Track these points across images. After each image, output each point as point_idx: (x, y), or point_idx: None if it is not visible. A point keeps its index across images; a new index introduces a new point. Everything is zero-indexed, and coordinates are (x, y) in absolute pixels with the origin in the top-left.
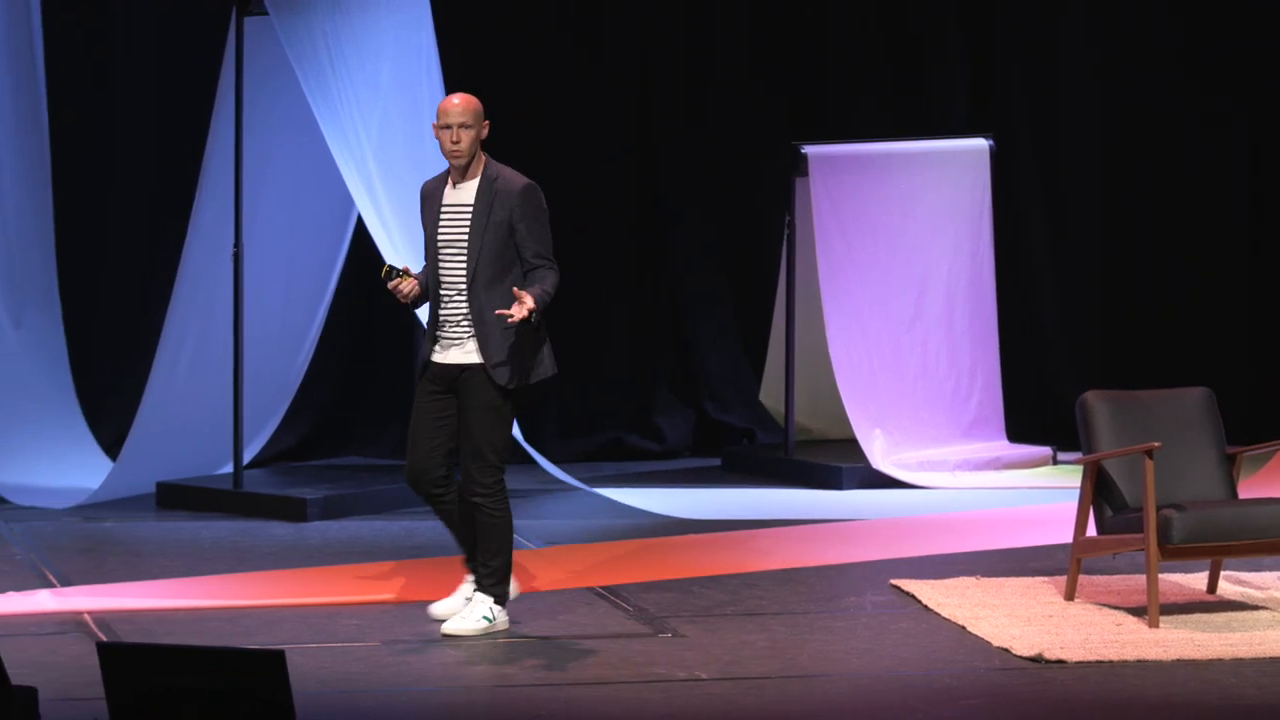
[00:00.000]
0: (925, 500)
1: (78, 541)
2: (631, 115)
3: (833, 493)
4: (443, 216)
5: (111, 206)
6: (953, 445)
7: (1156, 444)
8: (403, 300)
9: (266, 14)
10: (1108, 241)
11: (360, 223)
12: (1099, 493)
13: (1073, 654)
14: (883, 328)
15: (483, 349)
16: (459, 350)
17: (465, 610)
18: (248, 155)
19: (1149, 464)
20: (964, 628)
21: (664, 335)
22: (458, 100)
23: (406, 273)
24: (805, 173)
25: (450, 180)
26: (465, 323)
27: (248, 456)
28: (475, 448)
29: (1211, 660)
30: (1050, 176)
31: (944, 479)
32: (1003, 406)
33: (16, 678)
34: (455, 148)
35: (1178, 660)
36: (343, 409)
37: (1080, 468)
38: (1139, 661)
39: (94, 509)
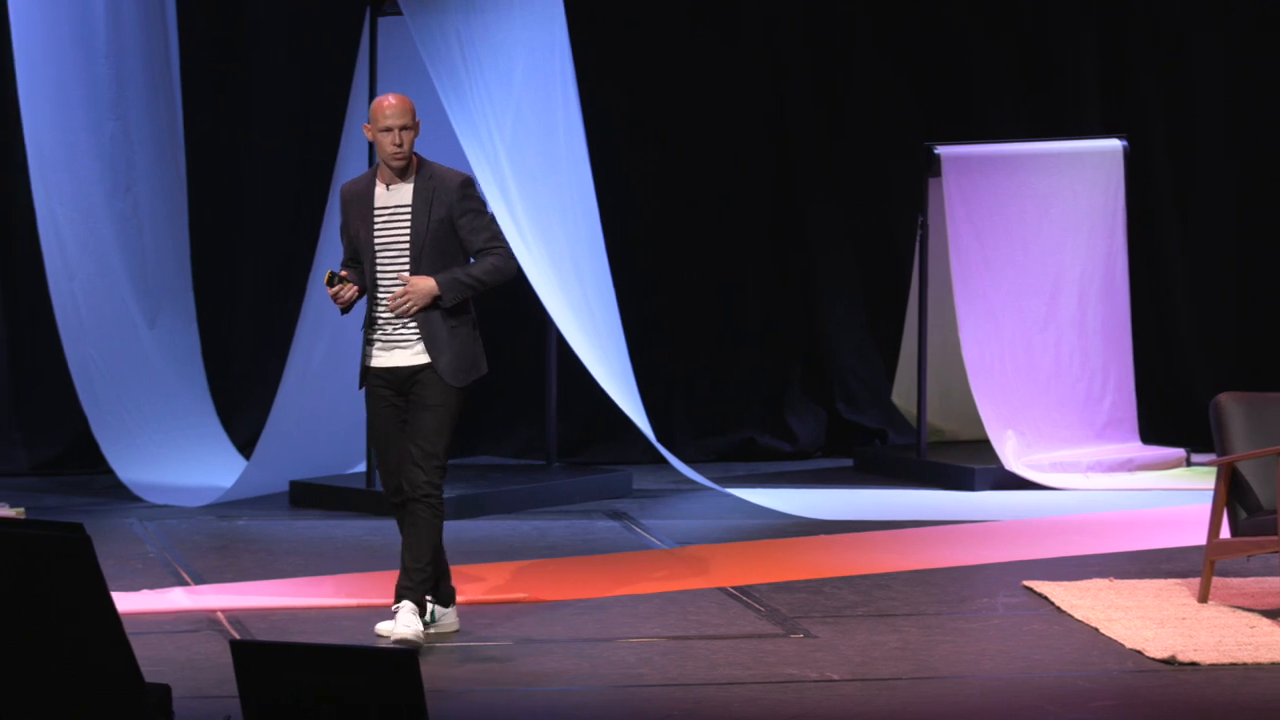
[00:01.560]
0: (1058, 502)
1: (211, 540)
2: (765, 114)
3: (965, 494)
4: (378, 219)
5: (246, 206)
6: (1086, 446)
7: None
8: (341, 305)
9: (400, 14)
10: (1242, 242)
11: None
12: (1233, 494)
13: (1206, 656)
14: (1016, 328)
15: (430, 349)
16: (405, 352)
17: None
18: None
19: None
20: (1097, 630)
21: (797, 335)
22: (395, 101)
23: (345, 279)
24: (939, 173)
25: (380, 182)
26: (411, 324)
27: None
28: (429, 449)
29: None
30: (1184, 177)
31: (1077, 480)
32: (1136, 408)
33: (150, 675)
34: (399, 150)
35: None
36: (475, 408)
37: (1214, 469)
38: (1273, 664)
39: (227, 507)
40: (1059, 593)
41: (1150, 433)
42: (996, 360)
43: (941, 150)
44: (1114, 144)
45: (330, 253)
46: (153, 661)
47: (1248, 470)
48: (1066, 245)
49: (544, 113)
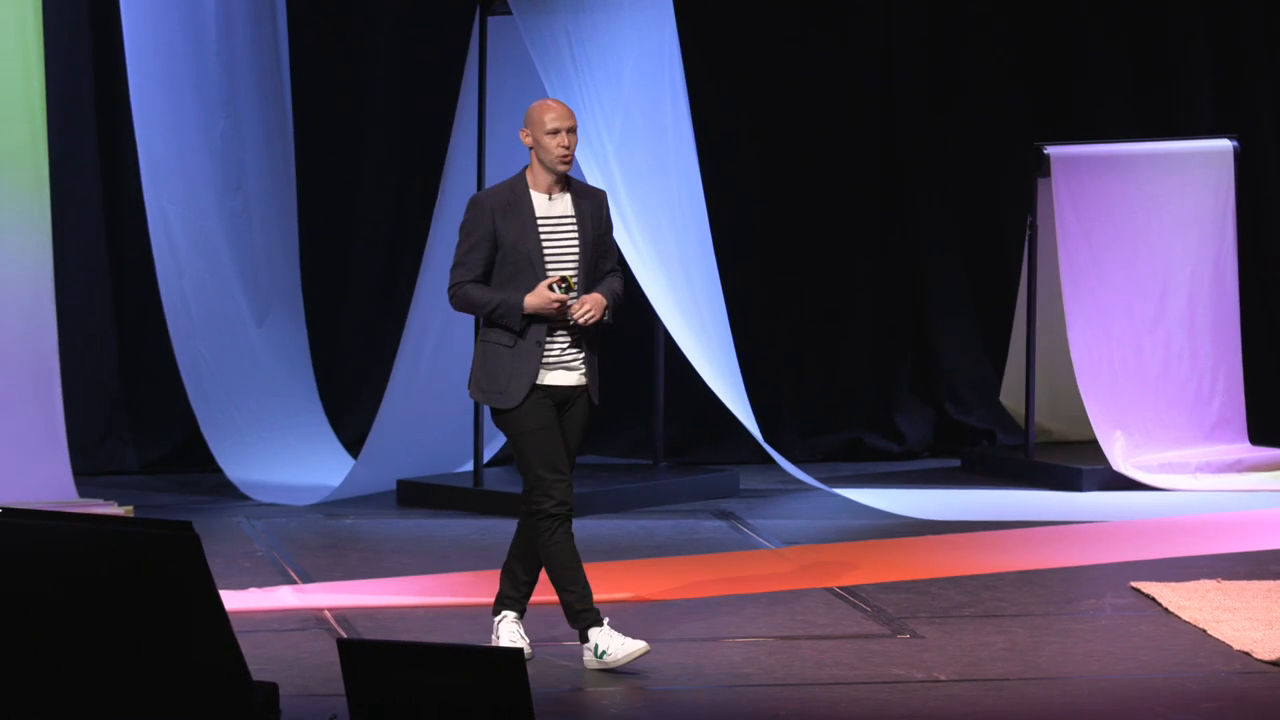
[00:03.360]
0: (1166, 502)
1: (319, 538)
2: (875, 113)
3: (1073, 494)
4: (543, 229)
5: (355, 205)
6: (1194, 447)
7: None
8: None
9: (510, 13)
10: None
11: None
12: None
13: None
14: (1125, 329)
15: (588, 372)
16: (567, 373)
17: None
18: (491, 152)
19: None
20: (1204, 631)
21: (905, 335)
22: (558, 103)
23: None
24: (1048, 173)
25: (537, 191)
26: (579, 344)
27: (488, 455)
28: (570, 460)
29: None
30: None
31: (1185, 481)
32: (1245, 409)
33: (258, 673)
34: (566, 153)
35: None
36: None
37: None
38: None
39: (335, 506)
40: (1166, 594)
41: (1259, 433)
42: (1105, 361)
43: (1051, 150)
44: (1224, 144)
45: (446, 249)
46: (260, 660)
47: None
48: (1176, 246)
49: (653, 113)
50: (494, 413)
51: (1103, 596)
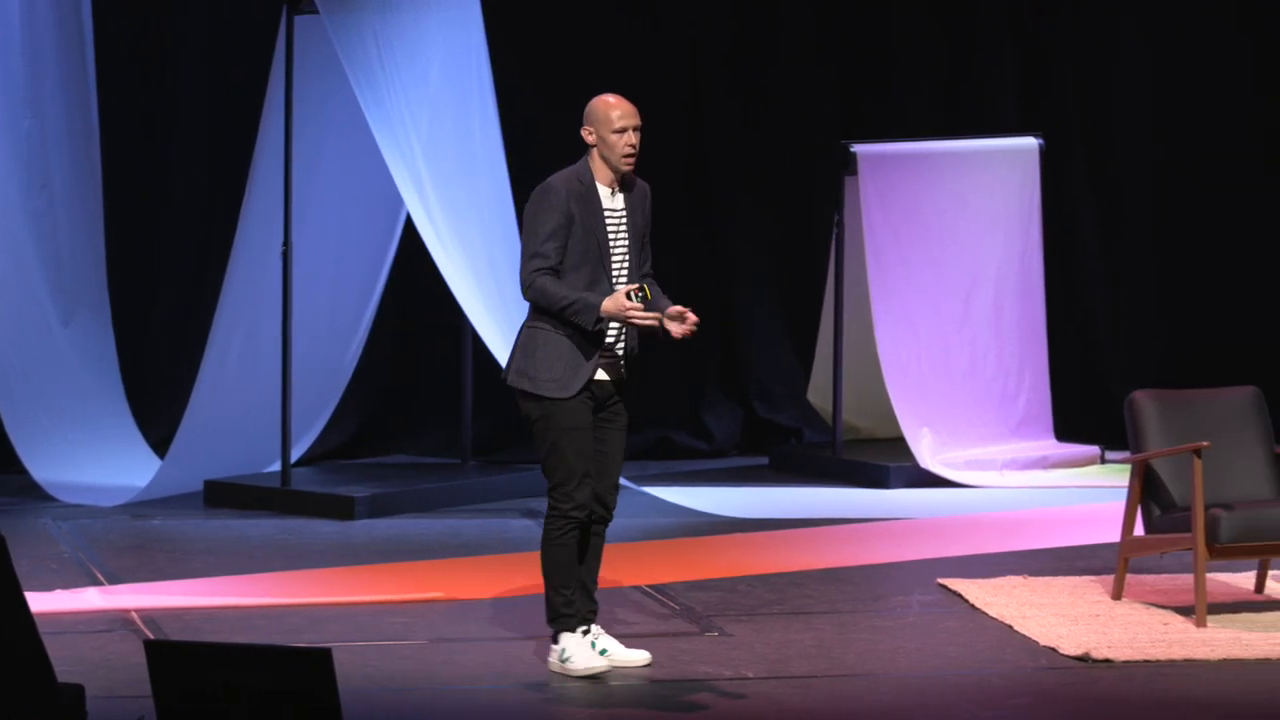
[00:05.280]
0: (973, 499)
1: (125, 539)
2: (683, 112)
3: (880, 492)
4: (609, 221)
5: (162, 205)
6: (1000, 444)
7: (1205, 443)
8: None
9: (317, 12)
10: (1157, 241)
11: (409, 221)
12: (1147, 492)
13: (1119, 653)
14: (931, 327)
15: (630, 369)
16: (614, 369)
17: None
18: (297, 153)
19: (1197, 463)
20: (1011, 627)
21: (713, 333)
22: (621, 100)
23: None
24: (855, 171)
25: (601, 184)
26: (625, 339)
27: (295, 454)
28: (617, 473)
29: (1259, 660)
30: (1101, 176)
31: (991, 478)
32: (1051, 406)
33: (64, 675)
34: (633, 151)
35: (1225, 660)
36: (390, 407)
37: (1128, 467)
38: (1186, 661)
39: (142, 507)
40: (973, 590)
41: (1065, 430)
42: (912, 358)
43: (858, 149)
44: (1030, 142)
45: (252, 248)
46: (67, 661)
47: (1162, 468)
48: (982, 244)
49: (460, 112)
50: (530, 402)
51: (910, 593)
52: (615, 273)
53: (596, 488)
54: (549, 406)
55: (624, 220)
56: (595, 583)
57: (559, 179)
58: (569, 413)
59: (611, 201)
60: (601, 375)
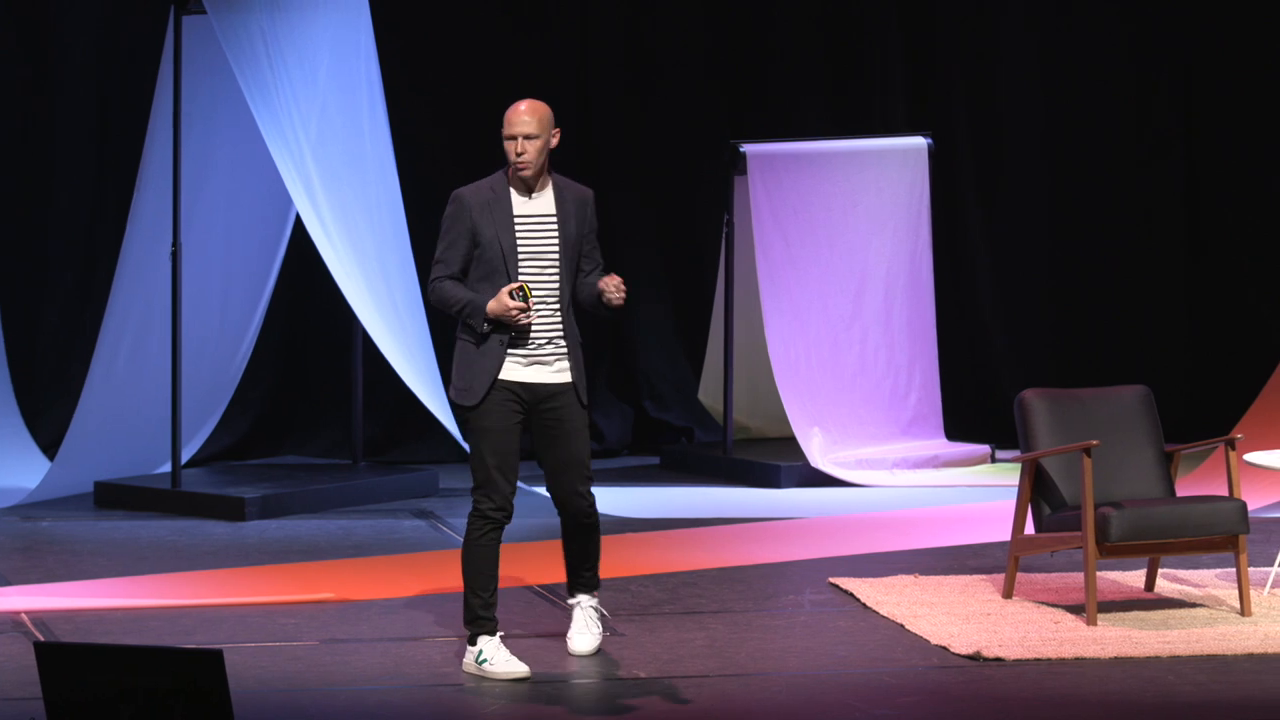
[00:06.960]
0: (863, 498)
1: (15, 541)
2: (571, 112)
3: (771, 491)
4: (519, 227)
5: (50, 205)
6: (891, 443)
7: (1094, 442)
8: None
9: (205, 12)
10: (1047, 240)
11: (299, 222)
12: (1037, 491)
13: (1010, 652)
14: (821, 326)
15: (572, 368)
16: (546, 369)
17: (588, 623)
18: (186, 154)
19: (1087, 462)
20: (902, 626)
21: (603, 333)
22: (523, 107)
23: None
24: (744, 171)
25: (517, 190)
26: (558, 341)
27: (186, 456)
28: (588, 474)
29: (1149, 658)
30: (990, 175)
31: (882, 477)
32: (941, 405)
33: None
34: (520, 159)
35: (1115, 658)
36: (280, 408)
37: (1018, 466)
38: (1076, 659)
39: (31, 508)
40: (865, 589)
41: (955, 429)
42: (802, 358)
43: (747, 148)
44: (919, 141)
45: (141, 249)
46: None
47: (1052, 466)
48: (872, 243)
49: (349, 113)
50: (457, 411)
51: (802, 593)
52: (528, 275)
53: (556, 489)
54: (467, 413)
55: (545, 226)
56: (590, 568)
57: (469, 187)
58: (483, 415)
59: (528, 206)
60: (527, 378)
